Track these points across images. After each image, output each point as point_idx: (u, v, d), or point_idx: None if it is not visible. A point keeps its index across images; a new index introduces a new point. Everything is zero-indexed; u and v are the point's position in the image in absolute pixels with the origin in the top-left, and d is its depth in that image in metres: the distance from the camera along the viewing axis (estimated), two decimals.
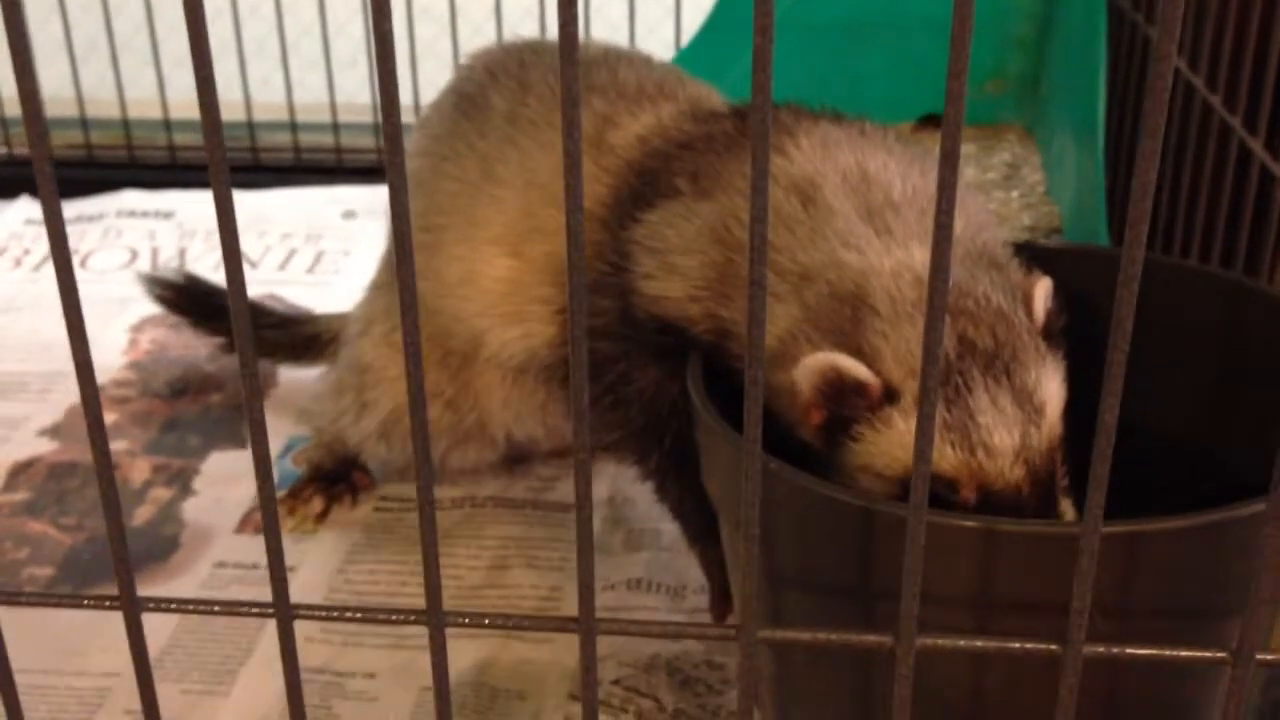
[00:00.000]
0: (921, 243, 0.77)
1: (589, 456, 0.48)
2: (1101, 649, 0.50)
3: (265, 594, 1.11)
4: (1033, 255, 0.81)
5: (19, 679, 0.98)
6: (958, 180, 0.45)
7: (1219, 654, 0.49)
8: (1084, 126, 1.39)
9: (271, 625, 1.05)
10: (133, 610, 0.50)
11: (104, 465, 0.47)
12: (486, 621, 0.49)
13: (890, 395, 0.72)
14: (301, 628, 1.03)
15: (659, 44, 1.75)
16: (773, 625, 0.71)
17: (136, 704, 0.96)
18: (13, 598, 0.51)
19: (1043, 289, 0.77)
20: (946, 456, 0.70)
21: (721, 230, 0.83)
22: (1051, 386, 0.74)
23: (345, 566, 1.11)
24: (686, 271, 0.84)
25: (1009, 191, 1.54)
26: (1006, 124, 1.69)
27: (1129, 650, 0.50)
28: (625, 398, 0.89)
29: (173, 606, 0.51)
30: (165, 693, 0.97)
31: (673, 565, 1.10)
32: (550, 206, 0.96)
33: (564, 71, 0.41)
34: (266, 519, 0.49)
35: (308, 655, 1.00)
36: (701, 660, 1.00)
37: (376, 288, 1.18)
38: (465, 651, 1.00)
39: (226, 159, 0.45)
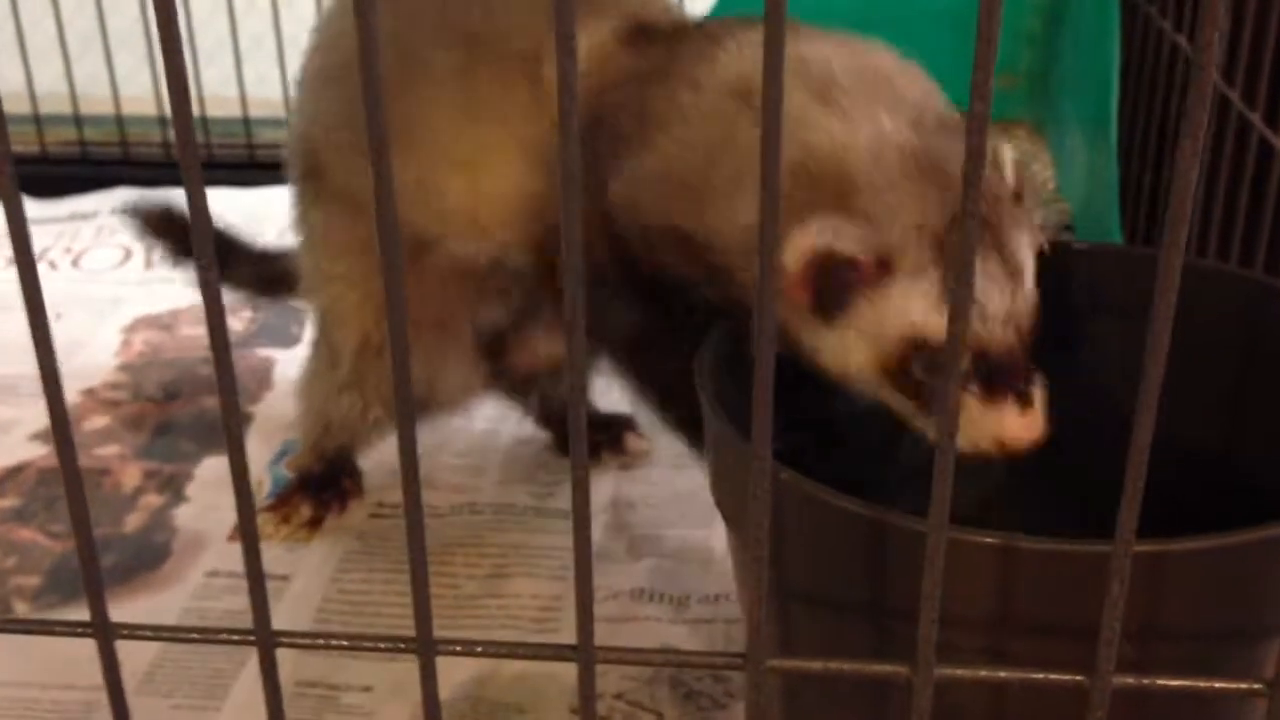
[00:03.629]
0: (889, 111, 0.76)
1: (586, 474, 0.45)
2: (1131, 680, 0.47)
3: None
4: (1056, 253, 0.78)
5: (12, 694, 0.96)
6: (983, 170, 0.42)
7: (1254, 685, 0.47)
8: (1096, 123, 1.36)
9: None
10: (106, 640, 0.47)
11: (75, 486, 0.45)
12: (479, 650, 0.46)
13: (884, 266, 0.72)
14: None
15: None
16: (782, 646, 0.68)
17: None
18: None
19: (1007, 151, 0.78)
20: (939, 321, 0.70)
21: (676, 183, 0.82)
22: (1028, 251, 0.75)
23: (339, 575, 1.09)
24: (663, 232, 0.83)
25: None
26: (1015, 120, 1.66)
27: (1160, 681, 0.47)
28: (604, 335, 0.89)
29: (148, 635, 0.48)
30: (155, 708, 0.95)
31: (676, 574, 1.07)
32: (505, 145, 0.92)
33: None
34: (246, 541, 0.46)
35: (302, 668, 0.97)
36: (706, 673, 0.97)
37: (299, 226, 1.12)
38: (462, 666, 0.97)
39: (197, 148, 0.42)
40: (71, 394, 1.33)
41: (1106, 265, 0.85)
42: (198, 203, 0.41)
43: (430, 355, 1.07)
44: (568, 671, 0.97)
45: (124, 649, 1.04)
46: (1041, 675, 0.47)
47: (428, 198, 0.95)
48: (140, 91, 1.76)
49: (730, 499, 0.71)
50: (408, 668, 0.98)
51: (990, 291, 0.72)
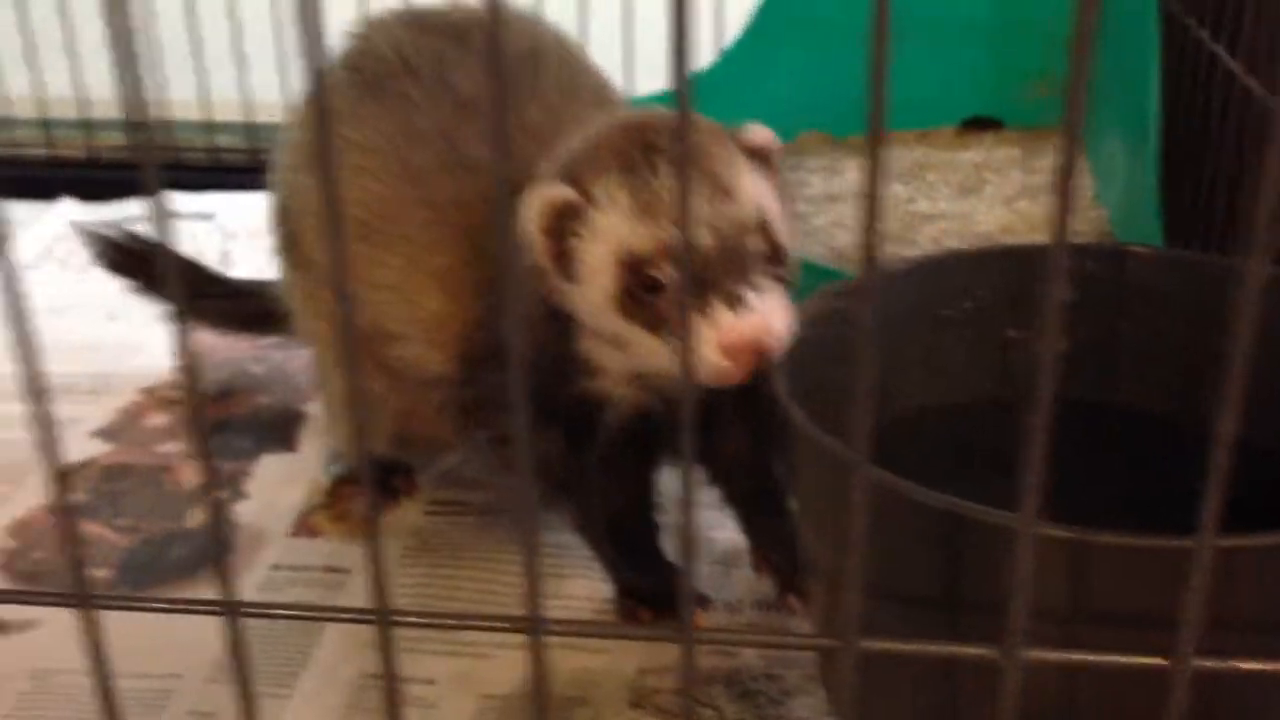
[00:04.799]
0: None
1: (692, 464, 0.47)
2: (1210, 664, 0.49)
3: (321, 596, 1.11)
4: (1103, 255, 0.80)
5: (83, 680, 0.98)
6: (1069, 196, 0.44)
7: None
8: (1135, 131, 1.38)
9: (331, 630, 1.05)
10: (235, 617, 0.50)
11: (210, 473, 0.47)
12: (590, 631, 0.48)
13: (587, 200, 0.83)
14: (358, 633, 1.04)
15: (696, 46, 1.75)
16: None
17: (199, 705, 0.97)
18: (136, 601, 0.51)
19: (756, 126, 0.88)
20: (639, 235, 0.81)
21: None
22: (744, 180, 0.83)
23: (398, 570, 1.11)
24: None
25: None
26: (1052, 127, 1.68)
27: (1240, 665, 0.49)
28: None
29: (278, 613, 0.50)
30: (229, 694, 0.97)
31: (728, 580, 1.08)
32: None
33: None
34: (368, 527, 0.48)
35: (366, 662, 1.00)
36: (761, 673, 0.99)
37: (283, 285, 1.17)
38: (525, 662, 0.99)
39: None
40: (131, 393, 1.36)
41: (1150, 267, 0.86)
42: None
43: (405, 417, 1.11)
44: (626, 666, 1.00)
45: (197, 637, 1.06)
46: (1126, 659, 0.49)
47: (399, 305, 1.01)
48: (187, 96, 1.79)
49: (808, 490, 0.73)
50: (470, 663, 1.00)
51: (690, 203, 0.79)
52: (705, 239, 0.80)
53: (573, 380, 0.91)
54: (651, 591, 1.00)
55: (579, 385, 0.92)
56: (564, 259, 0.86)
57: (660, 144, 0.83)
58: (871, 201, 0.44)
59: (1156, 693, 0.51)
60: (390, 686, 0.49)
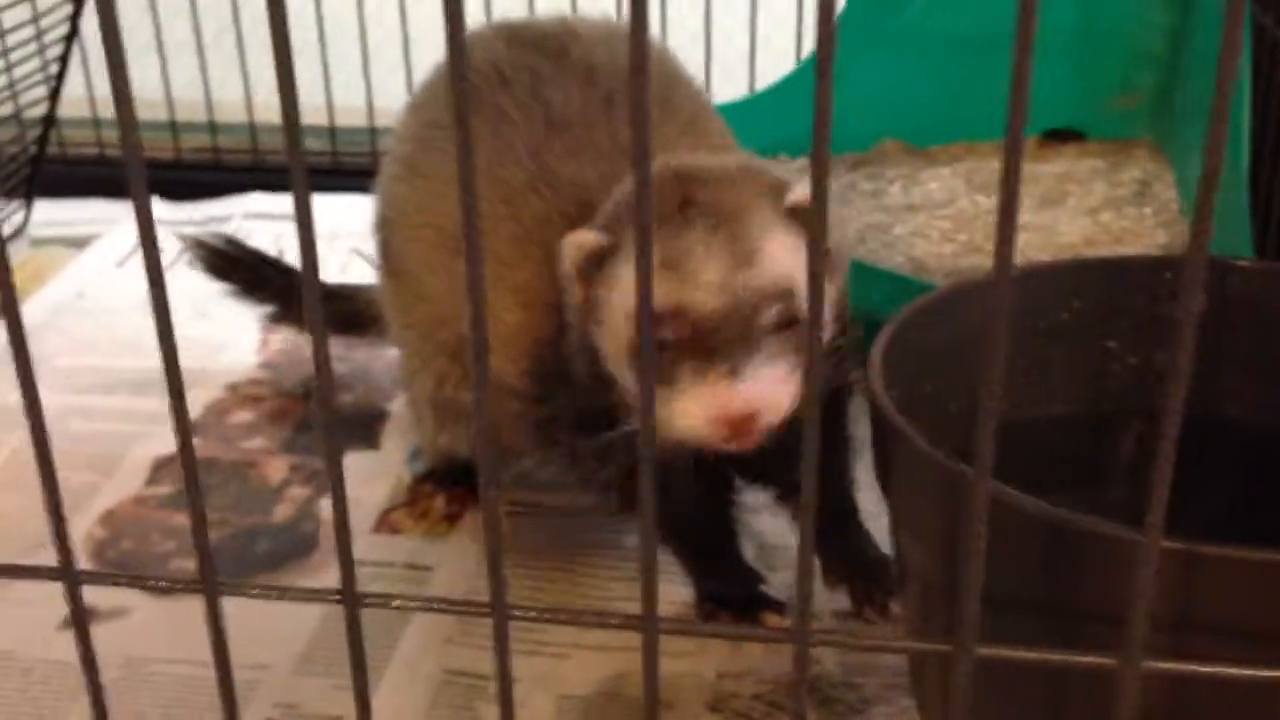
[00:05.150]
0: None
1: (815, 456, 0.47)
2: None
3: (404, 593, 1.12)
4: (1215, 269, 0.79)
5: (172, 670, 1.01)
6: (1213, 205, 0.44)
7: None
8: (1227, 143, 1.36)
9: (413, 626, 1.06)
10: (354, 607, 0.50)
11: (335, 462, 0.48)
12: (704, 631, 0.48)
13: (612, 249, 0.84)
14: (441, 629, 1.05)
15: (775, 55, 1.75)
16: (946, 634, 0.70)
17: (285, 697, 0.99)
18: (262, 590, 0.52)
19: (800, 182, 0.84)
20: (659, 289, 0.76)
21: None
22: (773, 244, 0.81)
23: (478, 571, 1.12)
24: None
25: (1141, 209, 1.51)
26: (1135, 139, 1.66)
27: None
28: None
29: (396, 604, 0.51)
30: (316, 687, 1.00)
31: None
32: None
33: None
34: (488, 520, 0.49)
35: (447, 657, 1.01)
36: (840, 681, 0.98)
37: (380, 290, 1.18)
38: (604, 664, 1.00)
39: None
40: (217, 389, 1.38)
41: (1254, 280, 0.85)
42: None
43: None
44: (705, 670, 1.00)
45: (284, 630, 1.08)
46: (1244, 672, 0.49)
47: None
48: (272, 98, 1.82)
49: (904, 496, 0.73)
50: (550, 661, 1.01)
51: (706, 263, 0.79)
52: (713, 303, 0.79)
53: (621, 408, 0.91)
54: (731, 596, 1.00)
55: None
56: (593, 303, 0.87)
57: (699, 197, 0.82)
58: (1007, 214, 0.43)
59: (1266, 705, 0.51)
60: (504, 683, 0.50)
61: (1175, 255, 0.96)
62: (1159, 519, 0.46)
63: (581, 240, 0.86)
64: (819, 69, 0.42)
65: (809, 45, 1.72)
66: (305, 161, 0.44)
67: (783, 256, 0.81)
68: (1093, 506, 0.62)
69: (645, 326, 0.44)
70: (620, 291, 0.84)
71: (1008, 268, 0.44)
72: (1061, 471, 0.83)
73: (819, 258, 0.43)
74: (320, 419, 0.48)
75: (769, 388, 0.78)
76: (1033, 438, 0.79)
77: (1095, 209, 1.50)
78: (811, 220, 0.41)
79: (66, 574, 0.52)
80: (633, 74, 0.40)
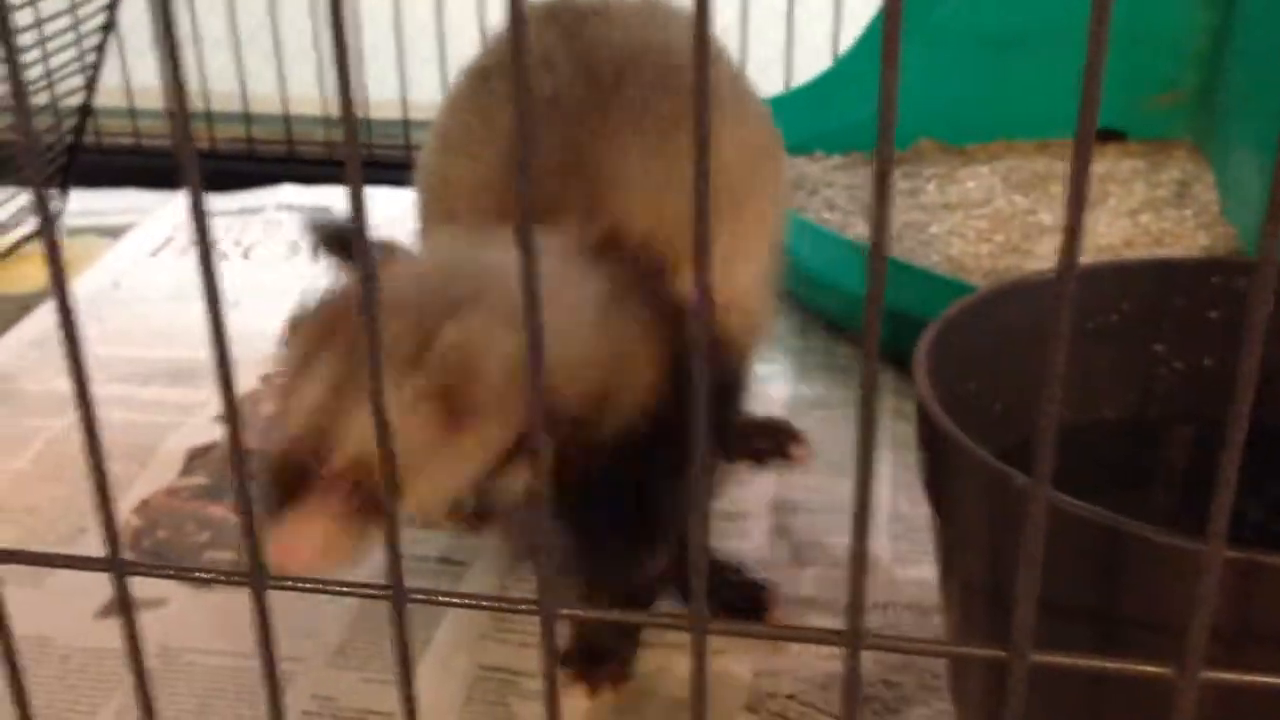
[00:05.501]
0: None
1: (872, 427, 0.46)
2: None
3: (437, 586, 1.12)
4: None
5: (211, 661, 1.01)
6: None
7: None
8: (1269, 144, 1.35)
9: (446, 622, 1.06)
10: (400, 603, 0.50)
11: (388, 459, 0.48)
12: (753, 631, 0.48)
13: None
14: (476, 624, 1.05)
15: (810, 52, 1.74)
16: (991, 640, 0.69)
17: (322, 689, 0.99)
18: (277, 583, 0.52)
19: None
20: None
21: None
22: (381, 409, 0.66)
23: (513, 566, 1.12)
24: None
25: (1181, 210, 1.49)
26: (1176, 140, 1.64)
27: None
28: None
29: (440, 600, 0.51)
30: (348, 680, 1.00)
31: (844, 583, 1.08)
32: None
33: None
34: (538, 517, 0.49)
35: (481, 653, 1.01)
36: (877, 679, 0.98)
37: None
38: (639, 660, 0.99)
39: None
40: (250, 380, 1.38)
41: None
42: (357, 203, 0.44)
43: None
44: (740, 670, 1.00)
45: (319, 622, 1.08)
46: None
47: None
48: (307, 91, 1.83)
49: (950, 498, 0.72)
50: None
51: (303, 393, 0.71)
52: (301, 441, 0.70)
53: None
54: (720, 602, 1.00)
55: None
56: None
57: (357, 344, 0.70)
58: (1074, 220, 0.43)
59: None
60: (550, 682, 0.50)
61: (1223, 258, 0.94)
62: (1222, 527, 0.46)
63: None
64: (884, 60, 0.41)
65: (845, 42, 1.71)
66: (360, 154, 0.43)
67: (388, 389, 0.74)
68: (1137, 511, 0.61)
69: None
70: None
71: (1073, 266, 0.43)
72: (1103, 476, 0.82)
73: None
74: (375, 419, 0.48)
75: (296, 540, 0.70)
76: (1078, 441, 0.78)
77: (1135, 210, 1.49)
78: None
79: (114, 564, 0.52)
80: (695, 63, 0.40)
